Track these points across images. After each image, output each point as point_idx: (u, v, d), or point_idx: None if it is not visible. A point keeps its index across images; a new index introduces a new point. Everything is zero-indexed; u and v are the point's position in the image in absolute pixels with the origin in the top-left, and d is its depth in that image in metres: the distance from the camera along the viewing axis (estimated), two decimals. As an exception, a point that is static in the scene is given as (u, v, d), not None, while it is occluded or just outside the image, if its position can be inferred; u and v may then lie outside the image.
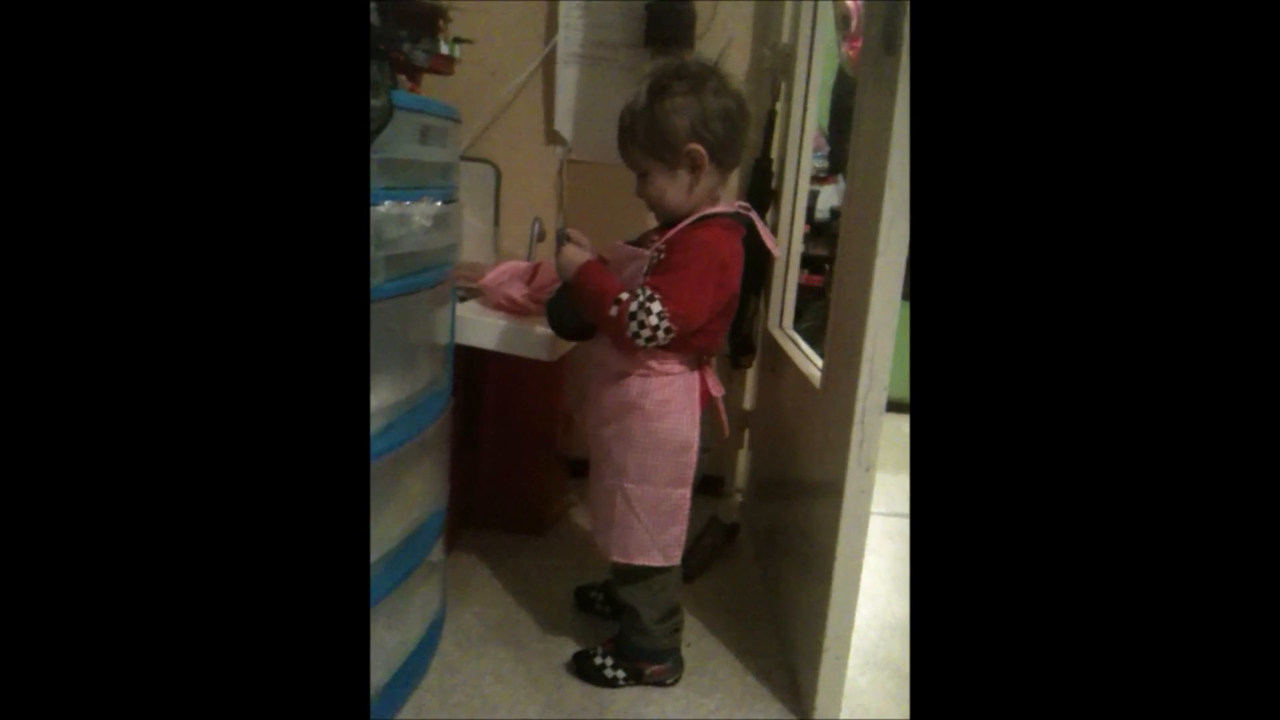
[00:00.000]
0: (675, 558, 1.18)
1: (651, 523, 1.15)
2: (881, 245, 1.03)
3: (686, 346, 1.11)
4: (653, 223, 1.20)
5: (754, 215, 1.16)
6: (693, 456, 1.15)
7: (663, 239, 1.09)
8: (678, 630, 1.26)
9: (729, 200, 1.15)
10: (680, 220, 1.10)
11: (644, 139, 1.09)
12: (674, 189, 1.10)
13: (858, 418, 1.08)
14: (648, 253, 1.10)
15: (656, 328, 1.04)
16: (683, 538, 1.17)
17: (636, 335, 1.05)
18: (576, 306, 1.15)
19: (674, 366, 1.12)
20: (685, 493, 1.16)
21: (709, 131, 1.07)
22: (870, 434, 1.09)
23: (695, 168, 1.08)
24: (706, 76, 1.08)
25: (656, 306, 1.04)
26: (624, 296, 1.06)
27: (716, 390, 1.19)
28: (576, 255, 1.14)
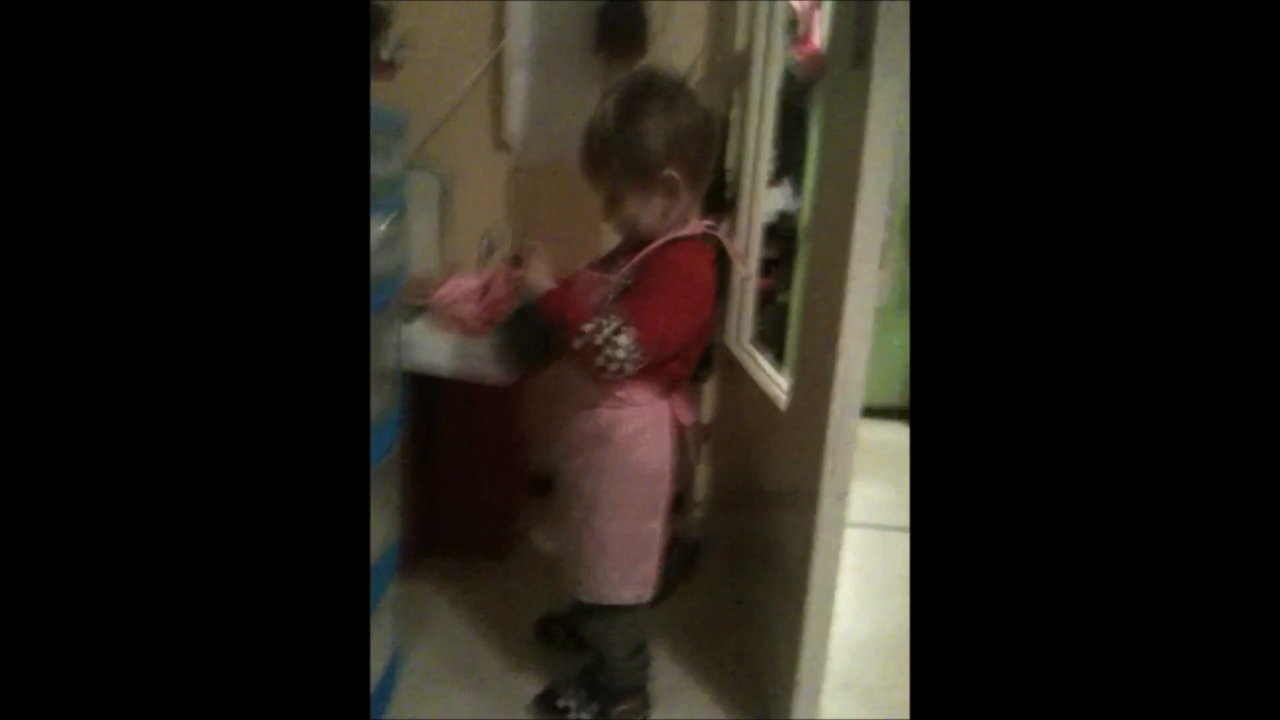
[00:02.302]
0: (647, 595, 1.13)
1: (623, 560, 1.10)
2: (854, 265, 1.00)
3: (658, 374, 1.06)
4: (614, 239, 1.15)
5: (721, 234, 1.12)
6: (665, 486, 1.10)
7: (630, 263, 1.04)
8: (645, 666, 1.21)
9: (696, 220, 1.10)
10: (650, 242, 1.05)
11: (618, 163, 1.02)
12: (649, 213, 1.05)
13: (829, 445, 1.05)
14: (615, 279, 1.04)
15: (625, 360, 0.98)
16: (654, 574, 1.13)
17: (604, 368, 0.98)
18: (537, 333, 1.09)
19: (644, 396, 1.07)
20: (658, 526, 1.11)
21: (684, 153, 1.02)
22: (843, 461, 1.06)
23: (671, 192, 1.03)
24: (676, 92, 1.03)
25: (625, 339, 0.97)
26: (587, 327, 0.98)
27: (686, 418, 1.14)
28: (540, 280, 1.07)
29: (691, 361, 1.12)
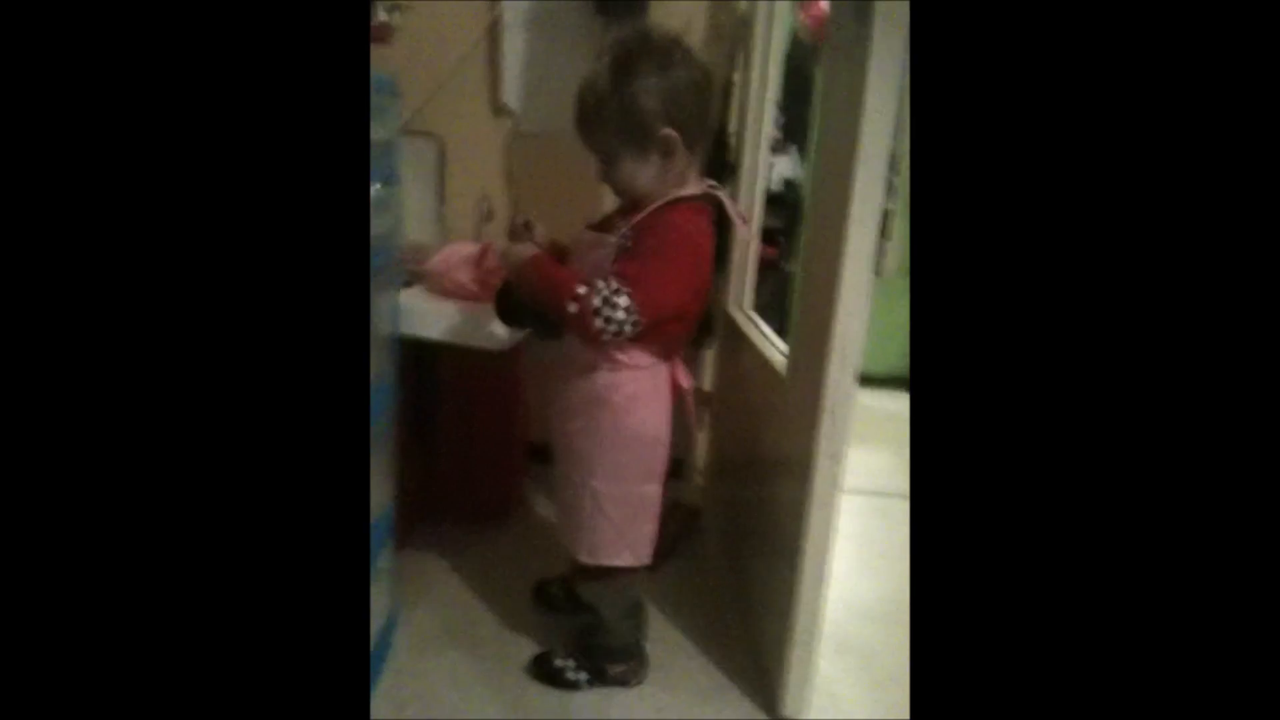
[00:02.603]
0: (645, 557, 1.13)
1: (621, 521, 1.10)
2: (853, 226, 0.99)
3: (658, 336, 1.05)
4: (613, 203, 1.13)
5: (723, 195, 1.10)
6: (664, 451, 1.10)
7: (630, 223, 1.02)
8: (640, 627, 1.22)
9: (697, 179, 1.08)
10: (648, 203, 1.03)
11: (613, 123, 1.00)
12: (646, 174, 1.02)
13: (827, 405, 1.04)
14: (614, 239, 1.02)
15: (624, 321, 0.97)
16: (653, 535, 1.13)
17: (603, 330, 0.97)
18: (529, 305, 1.08)
19: (643, 359, 1.06)
20: (656, 488, 1.11)
21: (681, 111, 0.99)
22: (840, 422, 1.05)
23: (668, 152, 1.01)
24: (672, 50, 1.00)
25: (624, 300, 0.96)
26: (582, 290, 0.97)
27: (686, 382, 1.13)
28: (522, 249, 1.06)
29: (691, 324, 1.11)
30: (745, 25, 1.63)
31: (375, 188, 0.99)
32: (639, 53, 1.00)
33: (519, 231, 1.12)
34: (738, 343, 1.61)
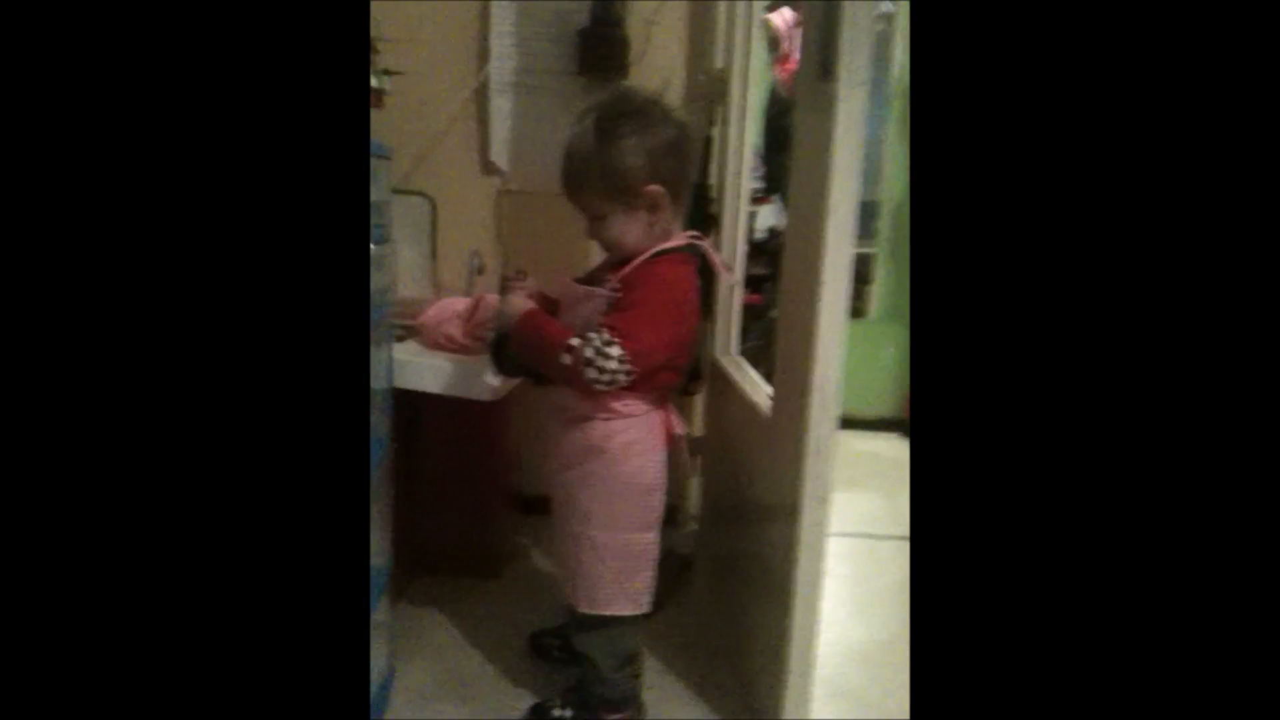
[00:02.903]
0: (643, 605, 1.13)
1: (619, 571, 1.10)
2: (827, 272, 1.02)
3: (649, 385, 1.07)
4: (599, 257, 1.17)
5: (705, 244, 1.13)
6: (659, 499, 1.11)
7: (618, 277, 1.05)
8: (638, 676, 1.22)
9: (679, 233, 1.12)
10: (635, 257, 1.06)
11: (600, 183, 1.04)
12: (633, 230, 1.06)
13: (810, 447, 1.07)
14: (604, 292, 1.05)
15: (616, 371, 1.00)
16: (650, 585, 1.13)
17: (596, 380, 1.00)
18: (523, 357, 1.11)
19: (637, 407, 1.08)
20: (652, 537, 1.12)
21: (663, 167, 1.04)
22: (823, 463, 1.07)
23: (655, 208, 1.05)
24: (651, 109, 1.05)
25: (615, 350, 0.99)
26: (575, 342, 1.00)
27: (679, 428, 1.14)
28: (517, 304, 1.10)
29: (681, 371, 1.13)
30: (722, 83, 1.69)
31: (370, 247, 1.03)
32: (620, 113, 1.03)
33: (512, 283, 1.15)
34: (725, 389, 1.64)
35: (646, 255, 1.05)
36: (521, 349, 1.10)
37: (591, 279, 1.11)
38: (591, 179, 1.04)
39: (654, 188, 1.03)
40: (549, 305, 1.15)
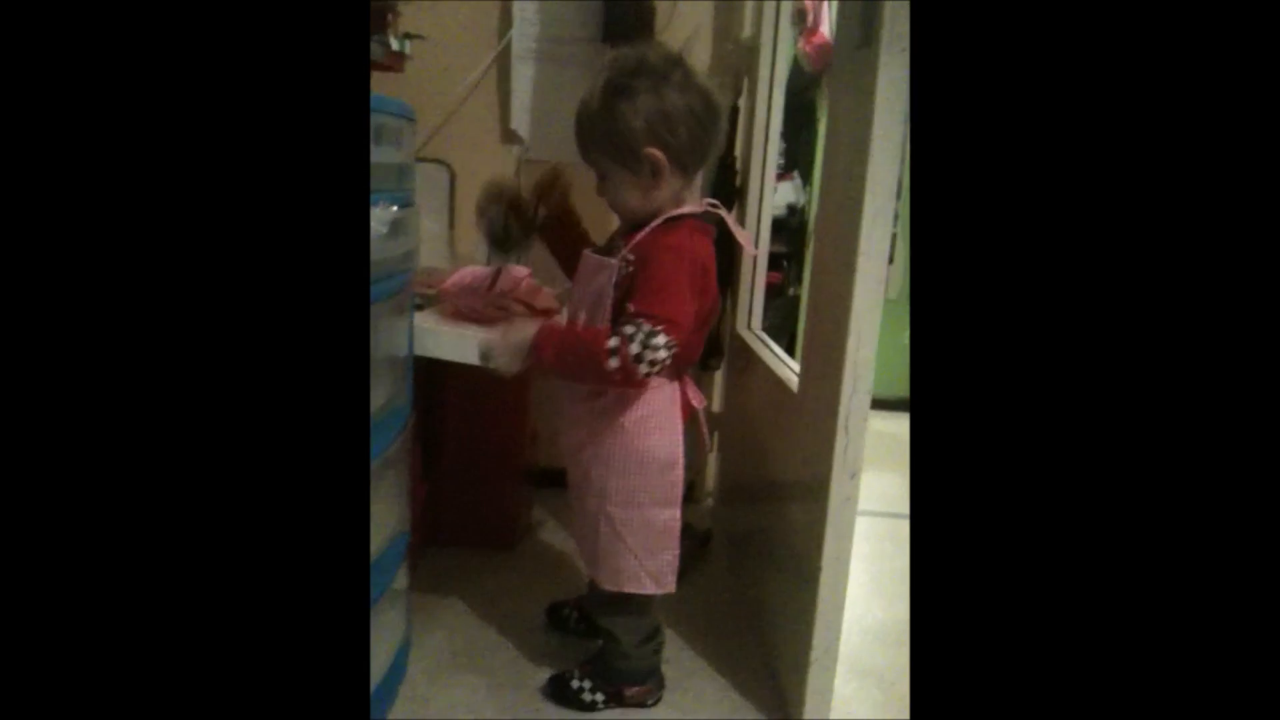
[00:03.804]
0: (669, 584, 1.11)
1: (640, 548, 1.08)
2: (863, 247, 1.00)
3: None
4: (617, 223, 1.14)
5: (723, 212, 1.09)
6: (679, 474, 1.08)
7: (630, 245, 1.02)
8: (659, 651, 1.21)
9: (696, 200, 1.08)
10: (646, 222, 1.02)
11: (601, 141, 1.01)
12: (633, 193, 1.03)
13: (841, 423, 1.05)
14: (615, 262, 1.02)
15: (666, 357, 0.96)
16: (675, 563, 1.10)
17: (649, 373, 0.96)
18: (558, 373, 1.05)
19: (654, 380, 1.04)
20: (675, 513, 1.09)
21: (671, 135, 0.99)
22: (855, 440, 1.06)
23: (655, 173, 1.00)
24: (669, 71, 0.99)
25: (661, 339, 0.95)
26: (614, 343, 0.95)
27: (698, 401, 1.12)
28: (520, 336, 1.02)
29: (698, 342, 1.10)
30: (751, 53, 1.66)
31: (393, 210, 1.01)
32: (633, 72, 0.98)
33: (548, 185, 1.12)
34: (747, 364, 1.62)
35: (658, 222, 1.02)
36: (556, 370, 1.04)
37: (609, 246, 1.08)
38: (595, 135, 1.01)
39: (654, 152, 0.98)
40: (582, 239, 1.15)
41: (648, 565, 1.10)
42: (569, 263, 1.15)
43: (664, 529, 1.09)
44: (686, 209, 1.04)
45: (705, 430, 1.16)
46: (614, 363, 0.95)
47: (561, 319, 1.18)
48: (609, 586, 1.11)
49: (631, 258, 1.00)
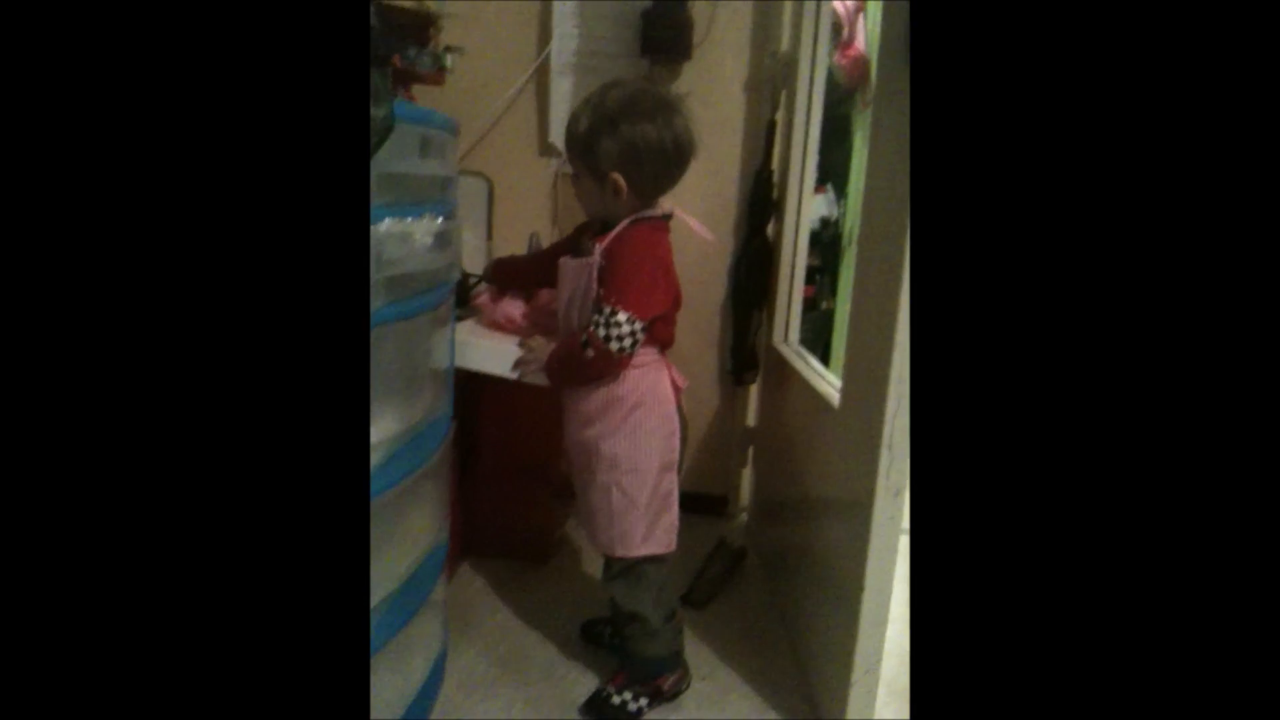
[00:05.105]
0: (671, 544, 1.19)
1: (647, 510, 1.16)
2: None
3: (649, 339, 1.14)
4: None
5: (681, 214, 1.19)
6: (676, 440, 1.18)
7: (602, 248, 1.12)
8: (680, 632, 1.25)
9: (655, 205, 1.17)
10: (608, 223, 1.15)
11: (578, 155, 1.14)
12: (594, 200, 1.17)
13: (885, 440, 1.03)
14: (594, 259, 1.12)
15: (629, 332, 1.08)
16: (675, 524, 1.19)
17: (621, 349, 1.08)
18: (566, 385, 1.19)
19: (645, 356, 1.15)
20: (673, 476, 1.19)
21: (637, 168, 1.10)
22: (899, 457, 1.04)
23: (615, 193, 1.12)
24: (655, 113, 1.09)
25: (621, 315, 1.07)
26: (585, 338, 1.09)
27: (681, 382, 1.21)
28: (538, 353, 1.20)
29: (673, 324, 1.21)
30: (789, 66, 1.65)
31: (438, 221, 1.01)
32: (621, 109, 1.09)
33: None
34: (784, 378, 1.61)
35: (625, 223, 1.13)
36: (562, 378, 1.18)
37: (579, 249, 1.19)
38: (576, 149, 1.14)
39: (616, 177, 1.10)
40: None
41: (655, 528, 1.17)
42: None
43: (668, 491, 1.18)
44: (646, 212, 1.15)
45: (683, 410, 1.23)
46: (590, 352, 1.09)
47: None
48: (623, 554, 1.17)
49: (603, 256, 1.12)
